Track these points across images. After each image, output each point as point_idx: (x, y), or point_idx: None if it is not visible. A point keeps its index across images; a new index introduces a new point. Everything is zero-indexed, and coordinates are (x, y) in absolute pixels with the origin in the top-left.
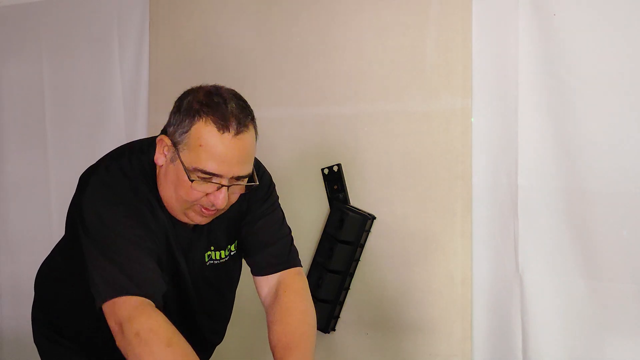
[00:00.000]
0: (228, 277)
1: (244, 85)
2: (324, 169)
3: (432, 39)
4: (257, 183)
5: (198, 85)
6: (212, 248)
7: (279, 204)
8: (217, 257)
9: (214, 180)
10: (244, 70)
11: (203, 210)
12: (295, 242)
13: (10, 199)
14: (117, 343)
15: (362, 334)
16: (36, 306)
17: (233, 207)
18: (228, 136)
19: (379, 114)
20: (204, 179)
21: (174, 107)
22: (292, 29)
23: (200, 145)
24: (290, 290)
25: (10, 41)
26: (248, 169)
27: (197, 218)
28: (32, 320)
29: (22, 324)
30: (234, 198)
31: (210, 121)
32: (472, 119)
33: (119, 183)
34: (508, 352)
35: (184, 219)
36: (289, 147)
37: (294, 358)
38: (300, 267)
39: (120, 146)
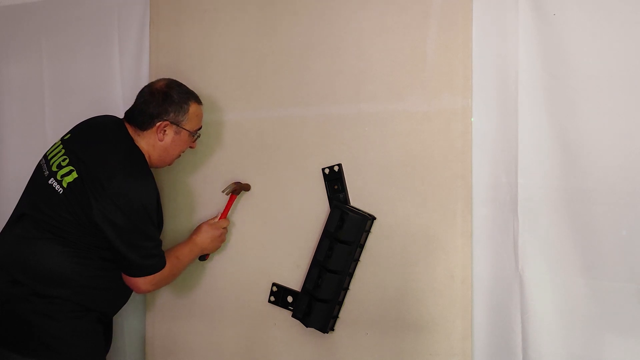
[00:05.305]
0: None
1: (244, 85)
2: (324, 169)
3: (432, 39)
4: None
5: (164, 82)
6: None
7: None
8: None
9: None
10: (245, 70)
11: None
12: (295, 242)
13: (11, 201)
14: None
15: (362, 334)
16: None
17: None
18: (202, 106)
19: (380, 114)
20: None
21: (158, 103)
22: (293, 29)
23: (197, 116)
24: None
25: (10, 41)
26: None
27: (173, 162)
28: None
29: None
30: None
31: (195, 101)
32: (472, 119)
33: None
34: (508, 351)
35: (164, 166)
36: (289, 147)
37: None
38: None
39: (128, 160)
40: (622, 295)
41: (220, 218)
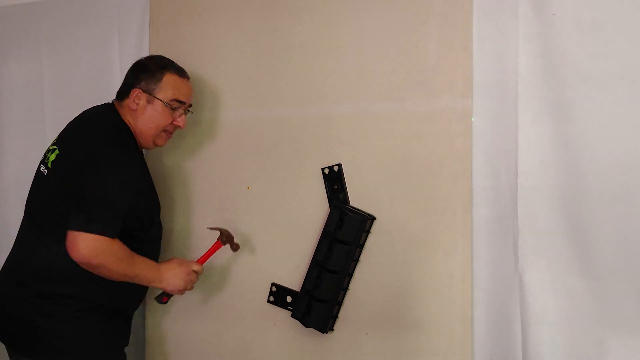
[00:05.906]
0: None
1: (244, 85)
2: (324, 169)
3: (433, 39)
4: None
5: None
6: None
7: None
8: None
9: (181, 108)
10: (245, 69)
11: (167, 134)
12: (294, 242)
13: (10, 201)
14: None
15: (361, 334)
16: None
17: None
18: (186, 80)
19: (379, 114)
20: (175, 108)
21: (134, 72)
22: (293, 29)
23: (173, 86)
24: None
25: (10, 41)
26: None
27: (161, 142)
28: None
29: None
30: None
31: (174, 72)
32: (472, 119)
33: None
34: (508, 351)
35: (151, 146)
36: (289, 147)
37: None
38: None
39: (103, 124)
40: (622, 295)
41: (197, 261)
